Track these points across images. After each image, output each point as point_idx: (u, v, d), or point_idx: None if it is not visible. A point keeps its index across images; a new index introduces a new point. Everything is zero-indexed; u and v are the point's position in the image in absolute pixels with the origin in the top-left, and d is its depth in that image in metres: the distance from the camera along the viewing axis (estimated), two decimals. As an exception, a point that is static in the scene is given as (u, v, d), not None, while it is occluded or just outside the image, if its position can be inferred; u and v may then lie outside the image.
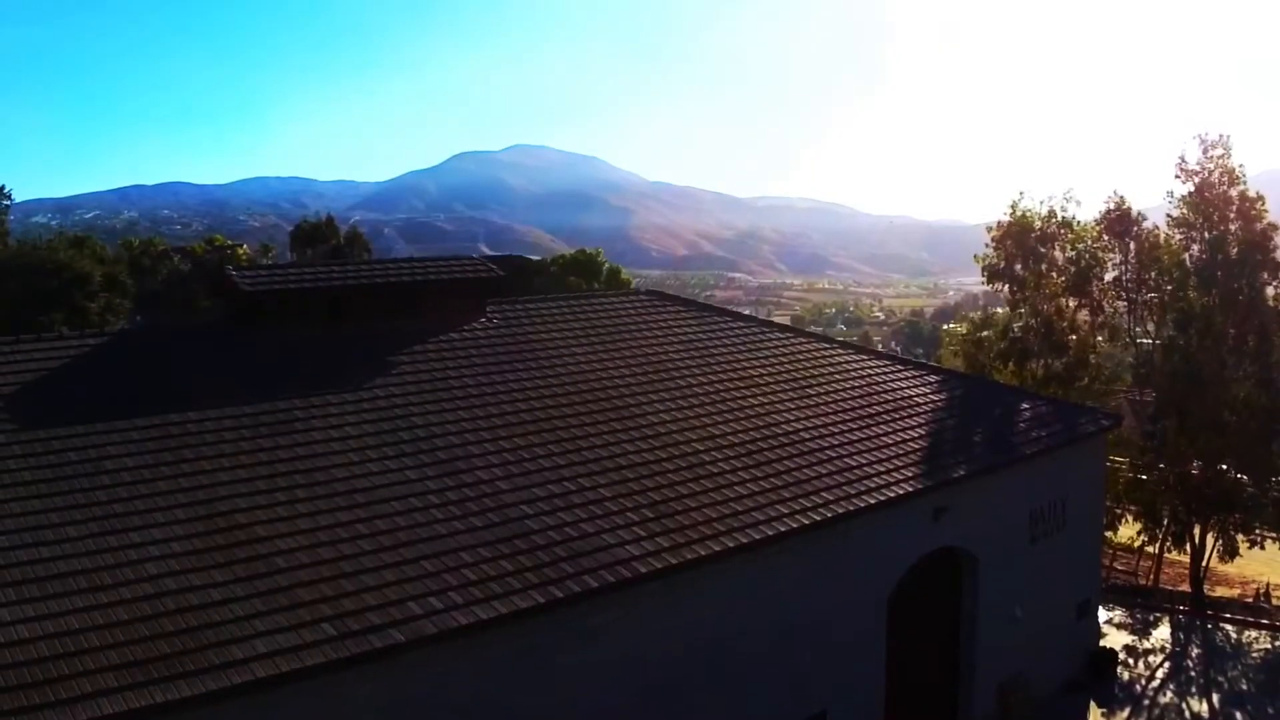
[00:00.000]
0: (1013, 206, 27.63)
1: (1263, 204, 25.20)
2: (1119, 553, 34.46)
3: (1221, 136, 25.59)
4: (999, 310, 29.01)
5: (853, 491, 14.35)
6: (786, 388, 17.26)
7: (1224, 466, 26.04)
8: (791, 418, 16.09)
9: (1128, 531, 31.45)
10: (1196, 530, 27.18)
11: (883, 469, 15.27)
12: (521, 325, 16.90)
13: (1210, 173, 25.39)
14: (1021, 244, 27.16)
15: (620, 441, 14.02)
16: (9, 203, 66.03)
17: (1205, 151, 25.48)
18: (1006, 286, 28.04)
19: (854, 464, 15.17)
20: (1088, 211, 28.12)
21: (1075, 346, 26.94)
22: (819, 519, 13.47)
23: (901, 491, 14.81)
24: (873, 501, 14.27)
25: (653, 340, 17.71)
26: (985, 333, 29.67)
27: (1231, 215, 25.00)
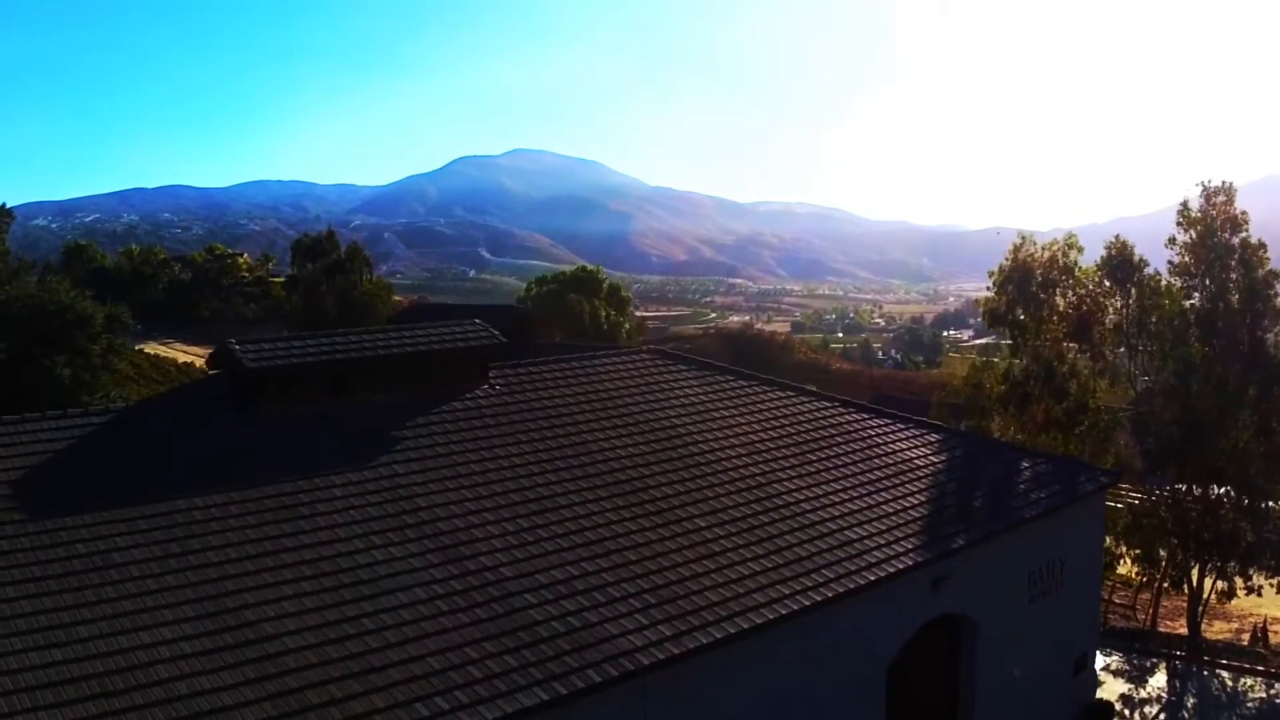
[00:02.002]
0: (1014, 250, 27.76)
1: (1264, 251, 25.32)
2: (1117, 586, 34.61)
3: (1225, 184, 25.74)
4: (1001, 357, 29.07)
5: (853, 568, 14.43)
6: (788, 452, 17.37)
7: (1222, 511, 26.14)
8: (793, 486, 16.20)
9: (1126, 568, 31.60)
10: (1194, 572, 27.34)
11: (883, 541, 15.36)
12: (524, 391, 16.99)
13: (1214, 219, 25.48)
14: (1023, 290, 27.30)
15: (623, 519, 14.11)
16: (10, 220, 66.49)
17: (1208, 199, 25.59)
18: (1008, 331, 28.20)
19: (855, 536, 15.27)
20: (1091, 237, 28.25)
21: (1076, 391, 27.05)
22: (819, 599, 13.56)
23: (902, 566, 14.89)
24: (872, 579, 14.36)
25: (655, 404, 17.80)
26: (990, 368, 29.73)
27: (1233, 263, 25.11)
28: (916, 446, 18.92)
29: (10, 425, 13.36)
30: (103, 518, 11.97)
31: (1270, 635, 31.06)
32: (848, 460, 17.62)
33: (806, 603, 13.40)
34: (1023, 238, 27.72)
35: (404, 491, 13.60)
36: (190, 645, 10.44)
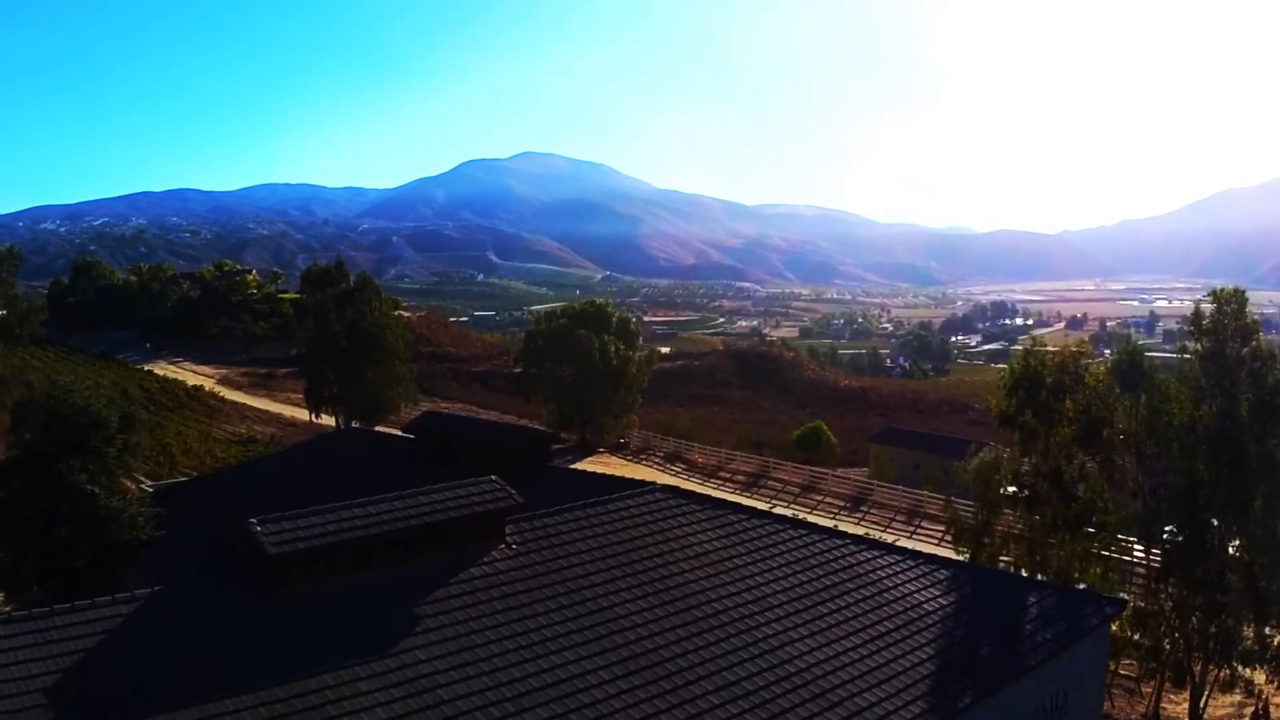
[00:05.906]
0: (1025, 356, 28.03)
1: (1275, 361, 25.46)
2: (1122, 660, 34.76)
3: (1236, 290, 25.84)
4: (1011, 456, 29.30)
5: (864, 743, 14.74)
6: (800, 605, 17.69)
7: (1224, 615, 26.33)
8: (805, 649, 16.49)
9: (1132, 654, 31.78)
10: (1196, 669, 27.57)
11: (894, 705, 15.64)
12: (540, 549, 17.33)
13: (1225, 328, 25.54)
14: (1033, 395, 27.57)
15: (639, 702, 14.40)
16: (19, 264, 67.29)
17: (1220, 307, 25.67)
18: (1017, 435, 28.44)
19: (865, 703, 15.55)
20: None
21: (1085, 494, 27.24)
22: (831, 785, 13.88)
23: (912, 734, 15.21)
24: (883, 754, 14.69)
25: (668, 555, 18.13)
26: (999, 467, 29.97)
27: (1243, 375, 25.23)
28: (925, 587, 19.23)
29: (41, 620, 13.70)
30: (137, 728, 12.29)
31: (1271, 707, 31.39)
32: (858, 610, 17.93)
33: (819, 791, 13.72)
34: (1033, 339, 28.15)
35: (426, 682, 13.89)
36: None
